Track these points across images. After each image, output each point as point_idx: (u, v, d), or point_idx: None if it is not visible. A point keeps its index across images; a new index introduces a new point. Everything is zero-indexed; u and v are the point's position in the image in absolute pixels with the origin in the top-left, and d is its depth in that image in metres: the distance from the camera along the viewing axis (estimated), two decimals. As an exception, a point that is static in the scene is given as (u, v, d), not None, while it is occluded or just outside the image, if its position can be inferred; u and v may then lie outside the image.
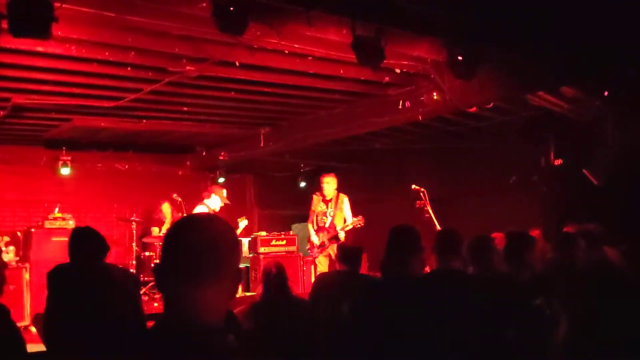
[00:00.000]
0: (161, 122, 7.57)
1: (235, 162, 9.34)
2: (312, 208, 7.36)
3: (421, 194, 6.68)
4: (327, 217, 7.18)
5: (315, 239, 7.22)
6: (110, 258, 3.70)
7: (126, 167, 9.49)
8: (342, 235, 7.05)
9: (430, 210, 6.58)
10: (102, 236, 3.63)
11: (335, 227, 7.09)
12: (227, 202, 7.50)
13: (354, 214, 7.10)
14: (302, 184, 10.62)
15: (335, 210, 7.16)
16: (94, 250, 3.55)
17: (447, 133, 7.68)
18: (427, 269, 3.38)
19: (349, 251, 4.22)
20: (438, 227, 6.36)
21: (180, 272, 1.37)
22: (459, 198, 8.31)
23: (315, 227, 7.26)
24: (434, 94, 5.96)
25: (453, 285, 2.93)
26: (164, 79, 5.46)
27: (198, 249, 1.36)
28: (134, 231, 8.26)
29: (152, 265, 8.10)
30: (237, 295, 6.62)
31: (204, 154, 9.55)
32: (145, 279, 8.19)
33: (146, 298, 8.07)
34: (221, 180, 9.89)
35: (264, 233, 8.12)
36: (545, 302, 2.86)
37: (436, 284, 2.97)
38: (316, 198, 7.36)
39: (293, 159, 9.78)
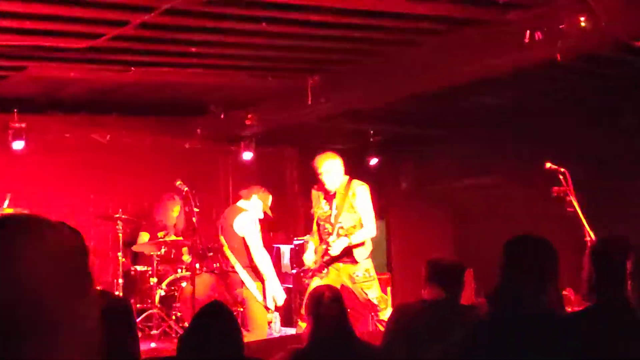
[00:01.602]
0: (158, 70, 7.65)
1: (268, 130, 9.44)
2: (312, 210, 7.45)
3: (560, 176, 6.58)
4: (331, 224, 7.18)
5: (308, 259, 7.29)
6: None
7: (107, 137, 9.68)
8: (334, 252, 6.97)
9: (575, 202, 6.44)
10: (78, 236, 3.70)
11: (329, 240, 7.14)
12: (270, 213, 7.70)
13: (389, 220, 7.13)
14: (373, 161, 10.66)
15: (342, 213, 7.13)
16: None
17: (601, 81, 7.46)
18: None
19: (444, 268, 4.30)
20: (588, 230, 6.25)
21: None
22: (620, 183, 8.18)
23: (318, 240, 7.34)
24: (581, 18, 5.79)
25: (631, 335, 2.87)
26: (160, 5, 5.49)
27: None
28: (120, 235, 8.45)
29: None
30: (274, 334, 6.79)
31: (221, 117, 9.65)
32: (138, 306, 8.37)
33: (141, 334, 8.25)
34: (248, 156, 10.01)
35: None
36: None
37: (603, 331, 2.92)
38: (315, 194, 7.43)
39: (357, 124, 9.81)
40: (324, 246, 7.18)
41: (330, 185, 7.18)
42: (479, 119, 9.40)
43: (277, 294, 7.35)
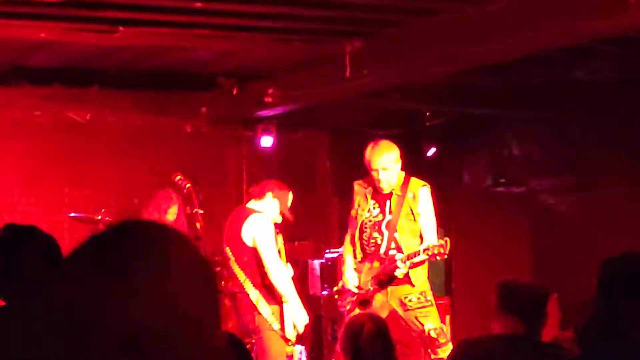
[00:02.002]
0: (152, 30, 7.72)
1: (293, 110, 9.51)
2: (353, 212, 7.46)
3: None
4: (382, 233, 7.20)
5: (350, 277, 7.32)
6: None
7: (87, 117, 9.77)
8: (401, 271, 7.02)
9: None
10: (52, 245, 3.74)
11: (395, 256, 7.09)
12: (289, 216, 7.66)
13: (450, 229, 7.11)
14: (430, 151, 10.65)
15: (400, 219, 7.15)
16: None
17: None
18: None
19: (522, 295, 4.33)
20: None
21: None
22: None
23: (360, 253, 7.34)
24: None
25: None
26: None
27: None
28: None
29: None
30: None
31: (234, 92, 9.70)
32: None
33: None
34: (267, 141, 10.02)
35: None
36: None
37: None
38: (359, 191, 7.44)
39: (408, 101, 9.80)
40: (377, 264, 7.16)
41: (386, 185, 7.19)
42: (566, 99, 9.35)
43: (298, 318, 7.30)
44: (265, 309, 7.14)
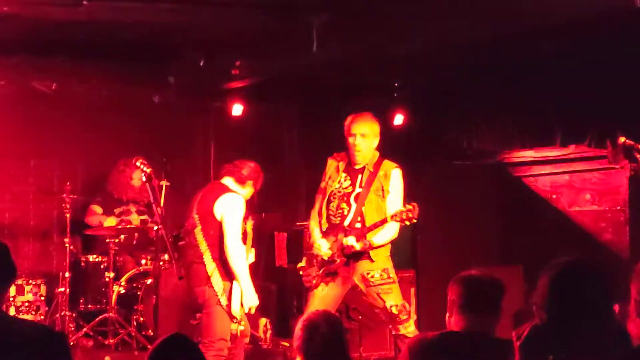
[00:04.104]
0: (117, 5, 7.66)
1: (261, 81, 9.42)
2: (322, 184, 7.49)
3: (637, 154, 6.60)
4: (349, 204, 7.27)
5: (322, 243, 7.35)
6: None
7: (53, 87, 9.75)
8: (380, 238, 7.13)
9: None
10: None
11: (365, 228, 7.17)
12: (253, 196, 7.67)
13: (423, 206, 7.17)
14: (397, 119, 10.61)
15: (369, 193, 7.22)
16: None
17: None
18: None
19: (479, 292, 4.30)
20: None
21: None
22: None
23: (325, 224, 7.38)
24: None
25: None
26: None
27: None
28: (68, 215, 8.54)
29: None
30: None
31: (200, 64, 9.66)
32: (90, 306, 8.52)
33: (93, 343, 8.43)
34: (237, 110, 10.00)
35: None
36: None
37: None
38: (331, 164, 7.48)
39: (377, 73, 9.79)
40: (342, 236, 7.19)
41: (360, 154, 7.24)
42: (540, 67, 9.31)
43: (246, 299, 7.20)
44: (218, 284, 7.06)
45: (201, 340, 6.93)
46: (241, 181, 7.49)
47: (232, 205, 7.26)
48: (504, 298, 4.37)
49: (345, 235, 7.17)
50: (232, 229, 7.15)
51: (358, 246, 7.09)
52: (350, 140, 7.24)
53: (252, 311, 7.34)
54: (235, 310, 7.10)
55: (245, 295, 7.12)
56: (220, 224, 7.20)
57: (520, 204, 10.37)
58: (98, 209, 9.26)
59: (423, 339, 4.38)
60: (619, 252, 9.05)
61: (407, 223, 7.04)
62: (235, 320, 7.12)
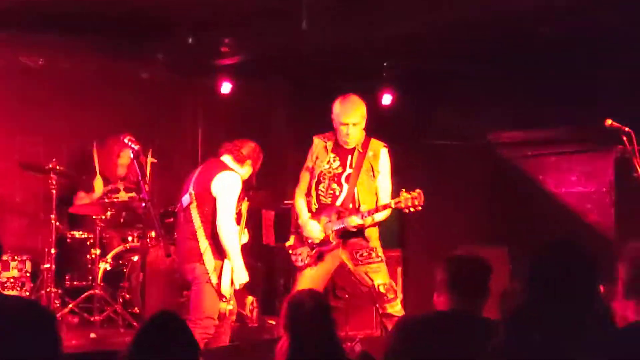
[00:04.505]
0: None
1: (250, 59, 9.43)
2: (309, 163, 7.50)
3: (624, 137, 6.62)
4: (341, 185, 7.30)
5: (312, 228, 7.35)
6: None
7: (40, 62, 9.71)
8: (358, 222, 7.14)
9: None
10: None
11: (356, 207, 7.20)
12: (254, 181, 7.72)
13: (412, 186, 7.11)
14: (386, 99, 10.63)
15: (360, 174, 7.25)
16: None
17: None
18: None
19: (468, 272, 4.32)
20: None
21: None
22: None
23: (315, 204, 7.40)
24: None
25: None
26: None
27: None
28: (54, 191, 8.50)
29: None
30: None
31: (189, 40, 9.61)
32: (75, 283, 8.52)
33: (78, 320, 8.43)
34: (225, 88, 9.98)
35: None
36: None
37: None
38: (318, 144, 7.47)
39: (367, 52, 9.77)
40: (335, 217, 7.20)
41: (353, 140, 7.27)
42: (532, 52, 9.31)
43: (237, 276, 7.18)
44: (210, 261, 7.03)
45: (188, 317, 6.89)
46: (240, 160, 7.47)
47: (228, 182, 7.23)
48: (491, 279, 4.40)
49: (343, 217, 7.18)
50: (225, 206, 7.13)
51: (366, 222, 7.12)
52: (343, 129, 7.23)
53: (240, 287, 7.33)
54: (225, 289, 7.08)
55: (235, 272, 7.11)
56: (214, 201, 7.18)
57: (507, 185, 10.42)
58: (83, 196, 9.19)
59: (410, 318, 4.45)
60: (604, 233, 9.14)
61: (412, 210, 7.03)
62: (224, 300, 7.10)
